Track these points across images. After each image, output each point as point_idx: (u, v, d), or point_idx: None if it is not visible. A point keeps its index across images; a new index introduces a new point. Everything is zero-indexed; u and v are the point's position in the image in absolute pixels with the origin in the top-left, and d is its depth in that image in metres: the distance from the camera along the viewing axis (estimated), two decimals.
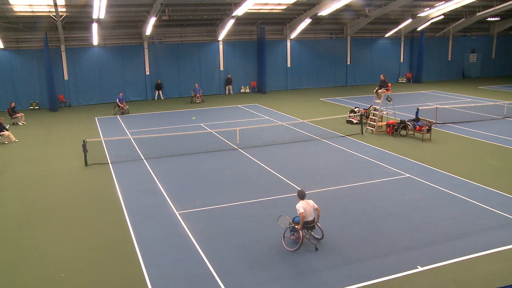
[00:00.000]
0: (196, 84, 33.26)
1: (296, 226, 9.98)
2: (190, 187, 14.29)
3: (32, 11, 26.57)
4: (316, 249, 9.97)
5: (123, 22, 31.14)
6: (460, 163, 16.30)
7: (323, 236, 10.34)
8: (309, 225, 10.02)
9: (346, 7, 31.44)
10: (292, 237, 10.21)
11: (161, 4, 26.13)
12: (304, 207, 9.92)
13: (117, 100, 28.30)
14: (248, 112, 27.66)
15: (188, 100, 33.09)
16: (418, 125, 20.04)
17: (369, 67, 41.12)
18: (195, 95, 32.30)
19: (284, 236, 10.22)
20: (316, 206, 10.18)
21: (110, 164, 17.02)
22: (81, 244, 10.57)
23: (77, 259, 9.86)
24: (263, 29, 35.18)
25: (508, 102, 26.50)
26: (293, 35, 36.58)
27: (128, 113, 28.09)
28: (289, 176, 15.07)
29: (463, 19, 39.81)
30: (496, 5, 34.48)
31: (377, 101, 22.10)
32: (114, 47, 32.89)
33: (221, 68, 36.09)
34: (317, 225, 10.30)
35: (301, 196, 10.19)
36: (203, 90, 35.38)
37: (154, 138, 20.27)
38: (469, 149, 18.19)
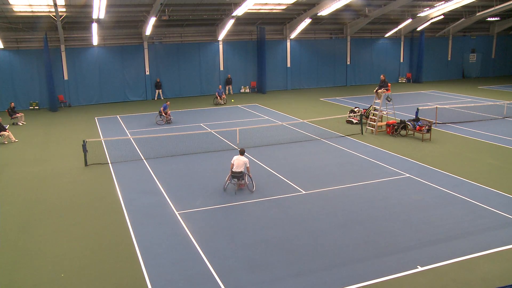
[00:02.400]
0: (220, 86, 33.02)
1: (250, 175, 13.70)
2: (190, 187, 14.28)
3: (32, 11, 26.56)
4: (235, 193, 13.33)
5: (123, 22, 31.13)
6: (460, 163, 16.30)
7: (254, 189, 13.60)
8: (236, 175, 13.35)
9: (346, 7, 31.44)
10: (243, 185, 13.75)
11: (161, 4, 26.13)
12: (234, 159, 13.35)
13: (161, 108, 24.70)
14: (248, 112, 27.66)
15: (210, 101, 32.67)
16: (418, 125, 20.04)
17: (369, 67, 41.12)
18: (221, 96, 30.88)
19: (227, 181, 13.75)
20: (248, 165, 13.38)
21: (110, 164, 17.02)
22: (81, 244, 10.57)
23: (77, 259, 9.86)
24: (263, 29, 35.18)
25: (508, 102, 26.51)
26: (293, 35, 36.58)
27: (171, 123, 24.60)
28: (289, 176, 15.07)
29: (463, 19, 39.81)
30: (496, 5, 34.47)
31: (377, 101, 22.11)
32: (114, 47, 32.88)
33: (221, 68, 36.08)
34: (249, 176, 13.61)
35: (240, 152, 13.65)
36: (203, 90, 35.41)
37: (154, 138, 20.26)
38: (469, 149, 18.19)
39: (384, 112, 22.14)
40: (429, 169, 15.57)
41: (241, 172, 13.31)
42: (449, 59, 44.42)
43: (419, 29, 39.91)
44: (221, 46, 35.69)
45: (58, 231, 11.32)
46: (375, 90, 22.19)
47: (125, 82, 33.51)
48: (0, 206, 13.13)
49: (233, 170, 13.32)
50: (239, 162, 13.32)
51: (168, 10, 28.15)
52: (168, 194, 13.68)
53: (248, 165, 13.41)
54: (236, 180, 13.49)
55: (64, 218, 12.15)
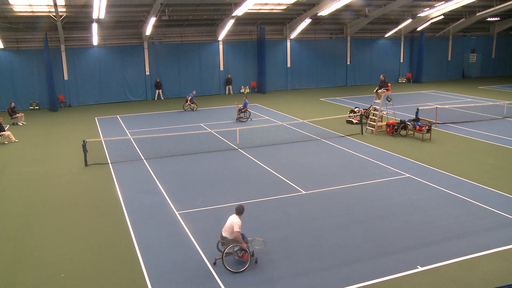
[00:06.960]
0: (194, 91, 31.21)
1: (243, 245, 9.22)
2: (190, 187, 14.28)
3: (32, 11, 26.56)
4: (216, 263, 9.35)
5: (123, 22, 31.13)
6: (460, 163, 16.30)
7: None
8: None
9: (346, 7, 31.43)
10: (244, 257, 9.31)
11: (161, 4, 26.13)
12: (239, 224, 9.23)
13: (240, 106, 24.80)
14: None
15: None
16: (418, 125, 20.04)
17: (369, 67, 41.13)
18: (192, 102, 28.83)
19: (223, 256, 9.15)
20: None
21: (110, 164, 17.02)
22: (81, 244, 10.57)
23: (77, 259, 9.86)
24: (263, 29, 35.18)
25: (508, 102, 26.49)
26: (293, 35, 36.58)
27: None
28: (289, 176, 15.07)
29: (463, 19, 39.81)
30: (496, 5, 34.48)
31: (377, 101, 22.11)
32: (114, 47, 32.88)
33: (221, 68, 36.08)
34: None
35: (239, 212, 9.55)
36: (203, 90, 35.37)
37: (154, 138, 20.27)
38: (469, 149, 18.19)
39: (384, 112, 22.14)
40: (429, 169, 15.57)
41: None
42: (449, 59, 44.42)
43: (419, 29, 39.91)
44: (221, 46, 35.69)
45: (58, 231, 11.32)
46: (375, 90, 22.19)
47: (125, 82, 33.51)
48: (0, 206, 13.13)
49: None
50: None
51: (168, 10, 28.16)
52: (168, 194, 13.68)
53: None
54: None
55: (64, 218, 12.14)
